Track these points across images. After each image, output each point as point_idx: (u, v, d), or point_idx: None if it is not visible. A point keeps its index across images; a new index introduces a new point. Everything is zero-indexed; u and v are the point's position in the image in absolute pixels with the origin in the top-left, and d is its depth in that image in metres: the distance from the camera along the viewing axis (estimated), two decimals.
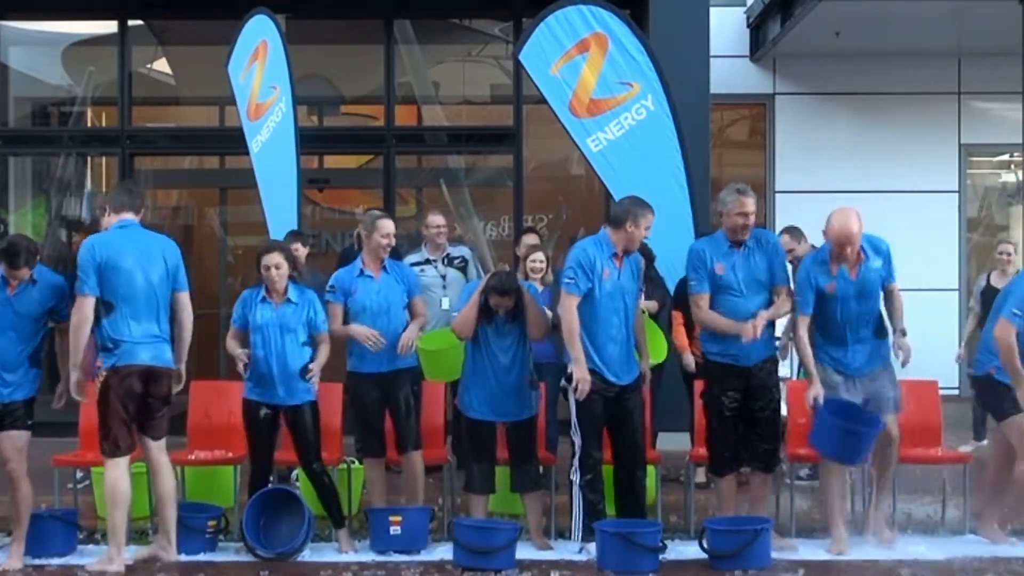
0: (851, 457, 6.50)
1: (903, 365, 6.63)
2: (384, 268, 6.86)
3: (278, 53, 8.59)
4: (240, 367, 6.63)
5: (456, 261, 8.57)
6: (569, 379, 6.53)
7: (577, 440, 6.52)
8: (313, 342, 6.70)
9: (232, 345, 6.67)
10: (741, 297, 6.50)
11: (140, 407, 6.25)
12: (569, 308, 6.44)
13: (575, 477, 6.53)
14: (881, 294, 6.60)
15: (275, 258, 6.60)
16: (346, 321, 6.85)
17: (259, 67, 8.79)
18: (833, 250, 6.44)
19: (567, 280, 6.47)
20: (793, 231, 8.19)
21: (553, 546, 6.68)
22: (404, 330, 6.78)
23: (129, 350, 6.16)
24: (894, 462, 6.67)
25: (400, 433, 6.84)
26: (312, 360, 6.65)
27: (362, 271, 6.85)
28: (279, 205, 8.67)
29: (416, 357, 6.92)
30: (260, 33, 8.78)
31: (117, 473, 6.20)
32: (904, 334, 6.59)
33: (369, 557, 6.49)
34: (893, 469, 6.69)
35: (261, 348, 6.59)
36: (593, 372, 6.45)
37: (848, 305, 6.48)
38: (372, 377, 6.77)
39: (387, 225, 6.87)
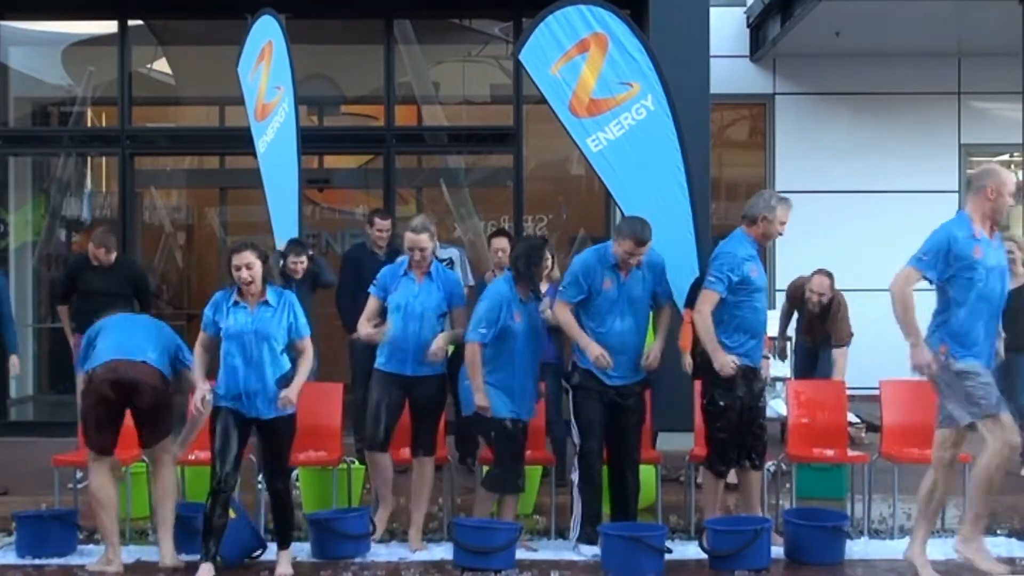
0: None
1: None
2: (429, 273, 6.75)
3: (282, 54, 8.60)
4: (199, 402, 6.18)
5: (444, 263, 8.48)
6: (568, 378, 6.66)
7: (576, 440, 6.58)
8: (294, 349, 6.26)
9: (199, 365, 6.22)
10: (762, 299, 6.56)
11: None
12: (561, 311, 6.68)
13: (574, 477, 6.60)
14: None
15: (246, 257, 6.05)
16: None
17: (265, 68, 8.80)
18: (997, 204, 5.88)
19: (561, 288, 6.73)
20: (829, 274, 8.45)
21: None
22: (434, 337, 6.67)
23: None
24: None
25: (414, 436, 6.79)
26: (290, 376, 6.15)
27: (407, 271, 6.77)
28: (282, 206, 8.69)
29: (443, 365, 6.82)
30: (267, 34, 8.79)
31: (100, 479, 6.23)
32: None
33: (369, 558, 6.50)
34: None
35: (237, 357, 6.07)
36: (588, 372, 6.54)
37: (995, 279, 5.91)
38: (395, 377, 6.72)
39: (409, 238, 6.74)
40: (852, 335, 8.56)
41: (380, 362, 6.77)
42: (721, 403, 6.55)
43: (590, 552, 6.44)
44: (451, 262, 8.58)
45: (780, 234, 6.64)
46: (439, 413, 6.83)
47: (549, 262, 8.06)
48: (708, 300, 6.48)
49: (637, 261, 6.57)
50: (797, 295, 8.85)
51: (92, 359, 6.25)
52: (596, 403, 6.54)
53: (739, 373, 6.47)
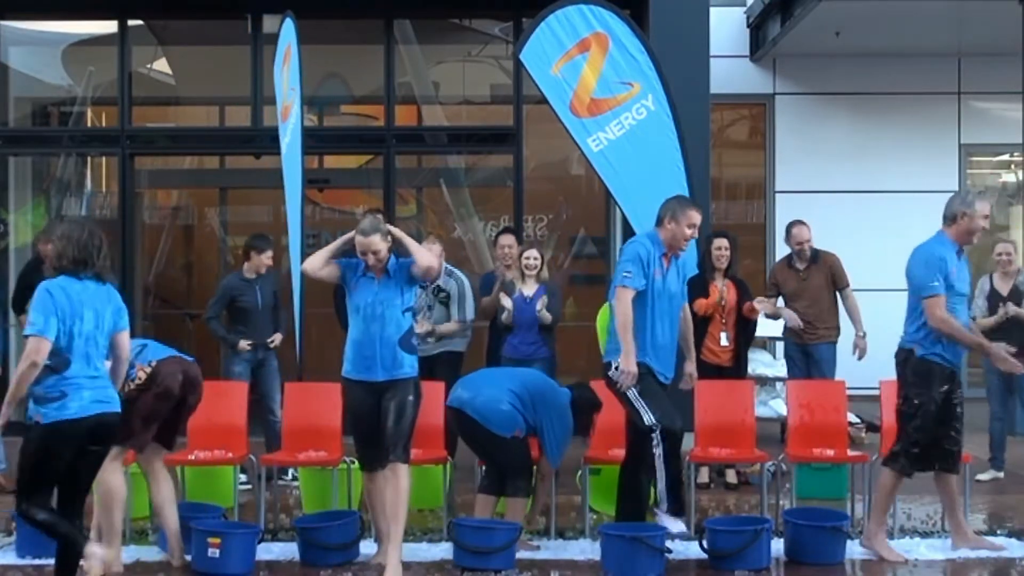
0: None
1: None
2: (386, 270, 6.24)
3: (295, 56, 8.64)
4: None
5: (441, 295, 8.25)
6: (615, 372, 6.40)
7: (650, 418, 6.27)
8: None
9: None
10: (962, 302, 6.47)
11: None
12: (624, 301, 6.29)
13: (657, 451, 6.27)
14: None
15: None
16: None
17: (286, 70, 8.86)
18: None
19: (625, 274, 6.30)
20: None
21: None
22: (401, 337, 6.20)
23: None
24: None
25: (384, 439, 6.18)
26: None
27: (365, 271, 6.28)
28: (294, 205, 8.75)
29: (416, 366, 6.32)
30: (288, 36, 8.84)
31: (118, 475, 6.20)
32: None
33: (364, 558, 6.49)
34: None
35: None
36: (643, 364, 6.34)
37: None
38: (366, 384, 6.23)
39: (359, 242, 6.19)
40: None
41: (347, 369, 6.32)
42: (916, 401, 6.39)
43: (677, 528, 6.30)
44: (447, 296, 8.22)
45: (985, 228, 6.50)
46: (414, 415, 6.26)
47: (538, 261, 8.08)
48: (939, 304, 6.29)
49: (693, 235, 6.43)
50: (780, 270, 8.77)
51: (152, 350, 6.22)
52: (654, 380, 6.37)
53: (938, 372, 6.37)
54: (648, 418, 6.30)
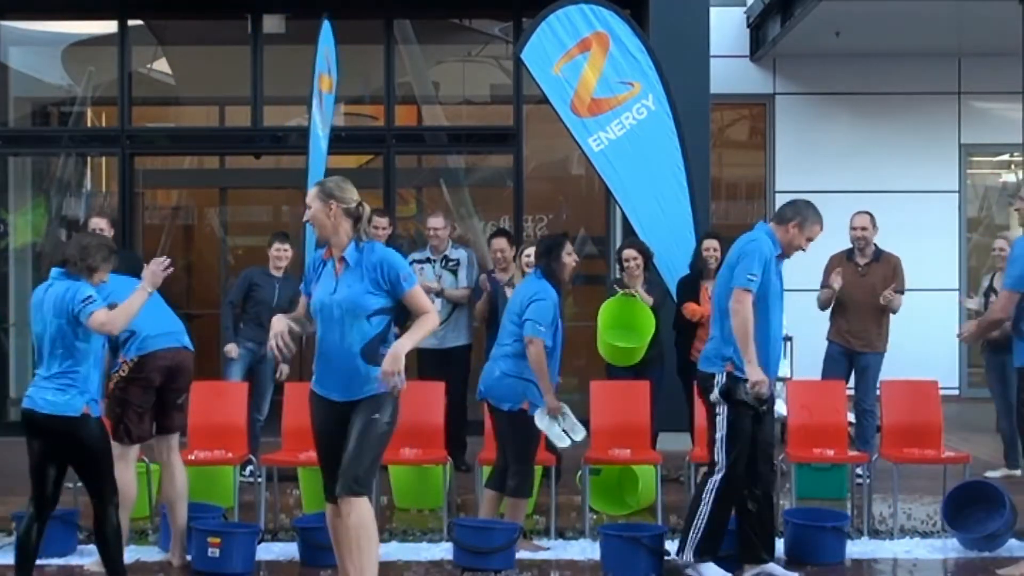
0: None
1: None
2: (344, 260, 4.94)
3: (316, 59, 8.72)
4: None
5: (451, 263, 8.58)
6: (727, 392, 5.92)
7: (722, 459, 5.93)
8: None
9: None
10: None
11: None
12: (747, 305, 5.81)
13: (708, 496, 5.96)
14: None
15: None
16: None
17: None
18: None
19: (750, 276, 5.80)
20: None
21: None
22: (364, 346, 4.93)
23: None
24: None
25: (339, 467, 4.98)
26: None
27: (324, 260, 5.09)
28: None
29: (376, 383, 4.96)
30: (325, 41, 8.88)
31: (129, 474, 6.20)
32: None
33: None
34: None
35: None
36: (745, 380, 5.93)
37: None
38: (328, 402, 5.08)
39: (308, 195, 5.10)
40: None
41: (312, 380, 5.18)
42: None
43: (717, 573, 6.00)
44: (457, 263, 8.59)
45: None
46: (381, 440, 5.01)
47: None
48: None
49: (806, 248, 6.12)
50: (838, 261, 8.50)
51: (137, 344, 6.18)
52: (749, 419, 5.97)
53: None
54: (720, 455, 5.96)
